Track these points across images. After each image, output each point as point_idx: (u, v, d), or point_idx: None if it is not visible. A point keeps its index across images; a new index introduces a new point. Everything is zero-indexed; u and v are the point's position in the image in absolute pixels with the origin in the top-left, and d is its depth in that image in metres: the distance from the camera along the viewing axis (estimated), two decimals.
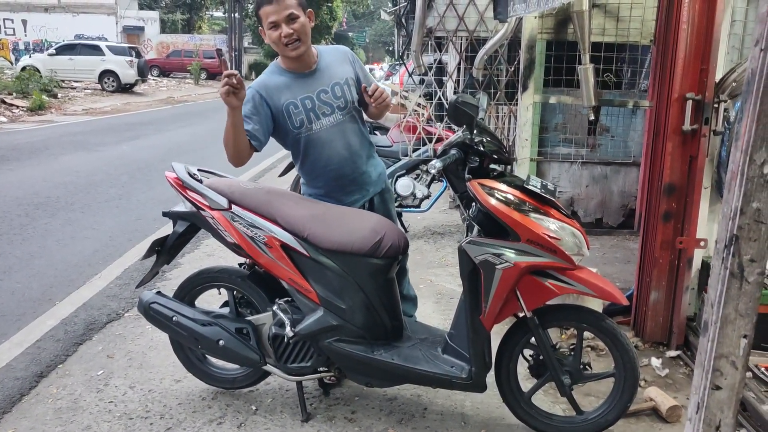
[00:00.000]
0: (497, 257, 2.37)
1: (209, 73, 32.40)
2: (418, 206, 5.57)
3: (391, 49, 42.79)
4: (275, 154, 10.02)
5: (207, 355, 2.96)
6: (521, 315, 2.57)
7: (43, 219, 5.95)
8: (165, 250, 2.86)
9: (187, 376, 3.07)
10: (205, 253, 5.07)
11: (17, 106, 15.62)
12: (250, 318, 2.79)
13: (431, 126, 5.33)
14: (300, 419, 2.77)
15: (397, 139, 5.63)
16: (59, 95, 18.54)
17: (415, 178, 5.59)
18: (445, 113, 5.60)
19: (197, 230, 2.88)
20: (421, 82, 6.09)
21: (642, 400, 2.89)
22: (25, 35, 31.80)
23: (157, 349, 3.42)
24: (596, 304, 3.28)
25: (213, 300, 3.22)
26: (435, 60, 5.34)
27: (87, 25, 31.57)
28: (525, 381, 2.71)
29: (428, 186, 5.61)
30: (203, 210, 2.69)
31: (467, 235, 2.55)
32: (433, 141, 5.15)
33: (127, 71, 22.65)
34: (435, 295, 4.33)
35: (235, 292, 2.86)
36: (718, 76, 3.28)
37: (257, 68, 37.89)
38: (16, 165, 8.58)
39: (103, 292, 4.25)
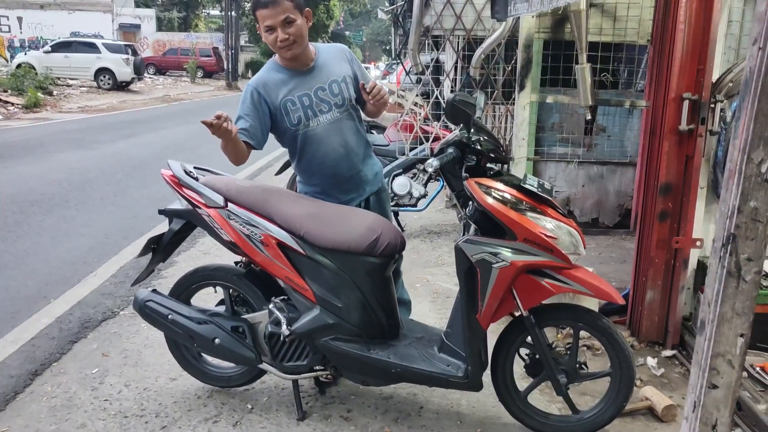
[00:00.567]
0: (494, 256, 2.37)
1: (205, 72, 32.34)
2: (415, 205, 5.57)
3: (388, 48, 42.77)
4: (271, 152, 10.00)
5: (202, 354, 2.95)
6: (517, 314, 2.57)
7: (38, 216, 5.93)
8: (161, 248, 2.85)
9: (182, 374, 3.06)
10: (201, 251, 5.06)
11: (12, 104, 15.56)
12: (246, 316, 2.78)
13: (428, 125, 5.32)
14: (296, 418, 2.76)
15: (393, 138, 5.62)
16: (55, 93, 18.46)
17: (412, 177, 5.59)
18: (442, 112, 5.60)
19: (193, 228, 2.87)
20: (418, 81, 6.09)
21: (638, 400, 2.89)
22: (21, 32, 31.63)
23: (153, 347, 3.41)
24: (592, 304, 3.28)
25: (209, 298, 3.21)
26: (432, 59, 5.34)
27: (83, 23, 31.41)
28: (521, 380, 2.71)
29: (425, 185, 5.61)
30: (199, 208, 2.68)
31: (464, 234, 2.55)
32: (430, 140, 5.15)
33: (123, 69, 22.56)
34: (431, 294, 4.32)
35: (231, 291, 2.85)
36: (715, 76, 3.28)
37: (254, 66, 37.79)
38: (11, 162, 8.54)
39: (98, 290, 4.23)
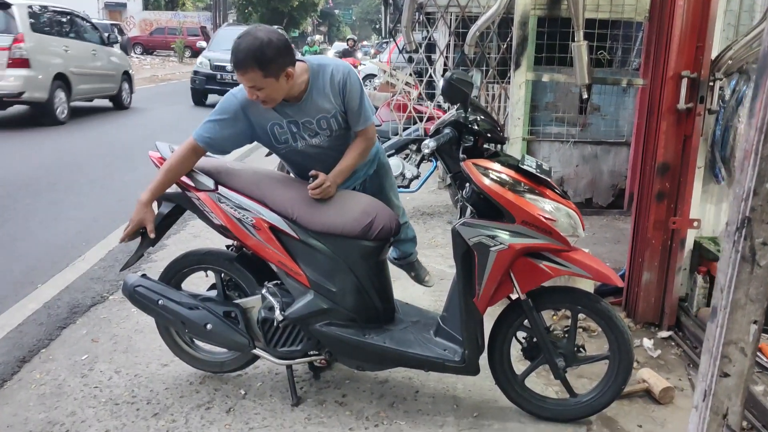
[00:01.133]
0: (491, 239, 2.32)
1: (193, 51, 31.88)
2: (408, 186, 5.51)
3: (378, 26, 42.38)
4: None
5: (194, 339, 2.90)
6: (514, 297, 2.53)
7: (26, 200, 5.83)
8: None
9: (173, 360, 3.01)
10: (191, 234, 4.99)
11: None
12: (238, 301, 2.73)
13: (422, 105, 5.24)
14: (290, 403, 2.72)
15: (386, 118, 5.55)
16: None
17: (405, 158, 5.52)
18: (435, 91, 5.52)
19: (183, 211, 2.80)
20: (410, 60, 5.99)
21: (635, 382, 2.87)
22: None
23: (143, 332, 3.35)
24: (587, 285, 3.25)
25: (200, 282, 3.15)
26: (425, 37, 5.24)
27: (68, 2, 30.84)
28: (517, 363, 2.67)
29: (417, 166, 5.54)
30: (189, 191, 2.61)
31: (460, 217, 2.50)
32: (424, 120, 5.07)
33: None
34: None
35: (222, 275, 2.79)
36: (714, 54, 3.23)
37: None
38: None
39: (86, 274, 4.15)
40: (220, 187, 2.57)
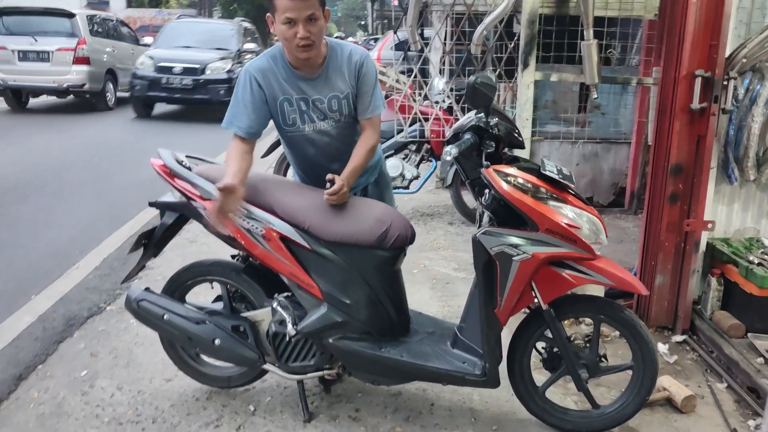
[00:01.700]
0: (514, 248, 2.24)
1: None
2: (407, 187, 5.41)
3: (363, 23, 42.18)
4: None
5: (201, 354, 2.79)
6: (534, 307, 2.45)
7: (13, 205, 5.66)
8: (152, 243, 2.67)
9: (178, 374, 2.89)
10: (188, 239, 4.85)
11: None
12: (246, 314, 2.62)
13: (428, 106, 5.14)
14: (302, 419, 2.62)
15: (385, 118, 5.43)
16: None
17: (404, 158, 5.42)
18: (428, 91, 5.43)
19: (186, 221, 2.69)
20: (404, 58, 5.88)
21: (655, 390, 2.79)
22: None
23: (144, 345, 3.23)
24: (597, 290, 3.17)
25: (201, 293, 3.04)
26: (424, 38, 5.14)
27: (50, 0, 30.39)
28: (534, 372, 2.59)
29: (417, 166, 5.45)
30: (194, 200, 2.50)
31: (479, 225, 2.41)
32: (429, 121, 4.96)
33: None
34: (430, 280, 4.19)
35: (228, 287, 2.68)
36: (727, 52, 3.16)
37: None
38: None
39: (82, 284, 4.01)
40: None
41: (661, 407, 2.77)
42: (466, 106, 4.75)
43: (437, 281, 4.18)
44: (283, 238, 2.41)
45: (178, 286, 2.73)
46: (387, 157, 5.32)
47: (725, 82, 3.13)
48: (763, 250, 3.32)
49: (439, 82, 5.29)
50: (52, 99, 12.53)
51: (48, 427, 2.58)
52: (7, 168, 6.99)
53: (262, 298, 2.62)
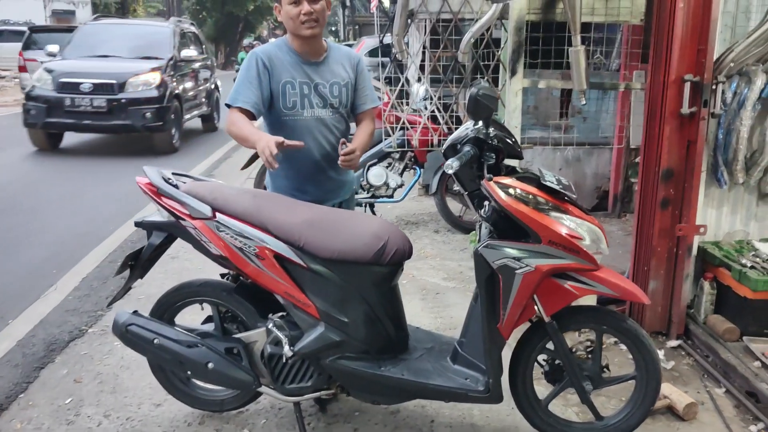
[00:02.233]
0: (517, 261, 2.19)
1: None
2: (392, 196, 5.35)
3: (334, 29, 42.13)
4: (228, 142, 9.61)
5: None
6: (535, 319, 2.40)
7: None
8: (139, 264, 2.56)
9: (167, 398, 2.79)
10: (169, 255, 4.71)
11: None
12: (239, 336, 2.53)
13: (414, 114, 5.08)
14: None
15: None
16: None
17: (388, 167, 5.36)
18: (407, 99, 5.38)
19: (173, 240, 2.59)
20: (383, 66, 5.83)
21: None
22: None
23: (130, 368, 3.11)
24: (590, 299, 3.14)
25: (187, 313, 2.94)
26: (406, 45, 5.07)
27: (12, 10, 29.70)
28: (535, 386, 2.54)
29: (401, 174, 5.40)
30: (183, 219, 2.40)
31: (479, 238, 2.36)
32: (419, 131, 4.90)
33: None
34: (420, 291, 4.14)
35: (219, 307, 2.59)
36: (715, 57, 3.16)
37: None
38: None
39: (61, 306, 3.87)
40: (218, 214, 2.37)
41: (662, 415, 2.74)
42: (455, 114, 4.70)
43: (427, 292, 4.13)
44: (278, 257, 2.33)
45: (167, 308, 2.63)
46: (371, 166, 5.26)
47: (714, 86, 3.13)
48: (754, 252, 3.32)
49: (419, 89, 5.25)
50: None
51: None
52: None
53: (255, 319, 2.53)
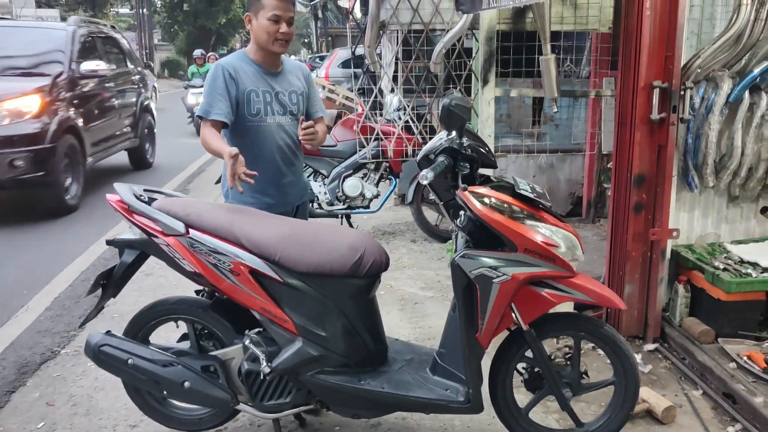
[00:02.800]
0: (493, 270, 2.19)
1: None
2: (368, 207, 5.34)
3: (307, 41, 42.15)
4: (201, 156, 9.53)
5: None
6: (514, 328, 2.40)
7: None
8: (111, 283, 2.52)
9: (143, 419, 2.74)
10: (143, 272, 4.63)
11: None
12: (216, 353, 2.49)
13: (388, 124, 5.09)
14: None
15: (341, 138, 5.37)
16: None
17: (363, 178, 5.35)
18: (381, 110, 5.39)
19: (146, 258, 2.55)
20: (355, 76, 5.84)
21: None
22: None
23: (105, 389, 3.05)
24: (567, 305, 3.15)
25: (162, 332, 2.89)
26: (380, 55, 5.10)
27: None
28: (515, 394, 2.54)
29: (376, 185, 5.39)
30: (156, 236, 2.37)
31: (455, 248, 2.36)
32: (394, 141, 4.90)
33: None
34: (398, 301, 4.12)
35: (195, 325, 2.55)
36: (682, 63, 3.21)
37: (170, 65, 36.40)
38: None
39: (32, 327, 3.77)
40: (191, 231, 2.34)
41: (641, 419, 2.76)
42: (428, 124, 4.72)
43: (405, 302, 4.12)
44: (253, 272, 2.31)
45: (141, 327, 2.58)
46: (346, 177, 5.25)
47: (682, 92, 3.18)
48: (726, 255, 3.37)
49: (393, 99, 5.27)
50: None
51: None
52: None
53: (231, 336, 2.49)
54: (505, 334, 2.45)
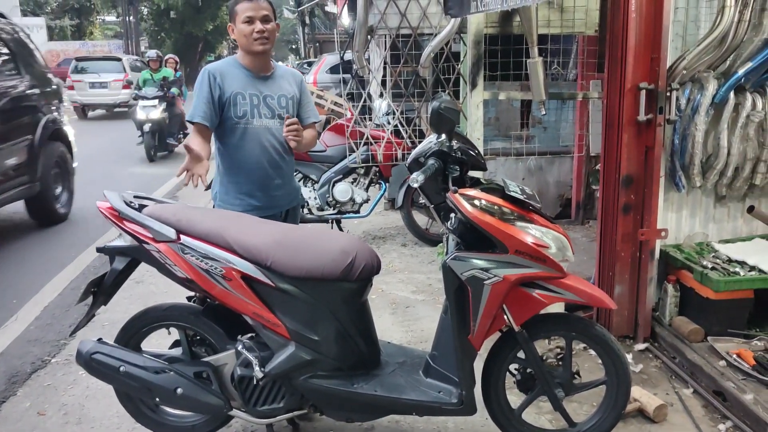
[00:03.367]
0: (485, 272, 2.20)
1: None
2: (358, 211, 5.35)
3: (295, 47, 42.19)
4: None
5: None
6: (505, 329, 2.42)
7: None
8: (102, 291, 2.50)
9: (136, 426, 2.72)
10: (134, 280, 4.61)
11: None
12: (208, 359, 2.48)
13: (377, 129, 5.10)
14: None
15: (330, 143, 5.38)
16: None
17: (353, 182, 5.36)
18: (370, 114, 5.40)
19: (137, 265, 2.55)
20: (344, 81, 5.86)
21: None
22: None
23: (96, 398, 3.03)
24: (559, 306, 3.17)
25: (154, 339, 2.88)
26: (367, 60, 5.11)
27: None
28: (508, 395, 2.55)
29: (366, 189, 5.40)
30: (147, 243, 2.36)
31: (446, 250, 2.37)
32: (383, 145, 4.91)
33: None
34: (390, 305, 4.13)
35: (187, 331, 2.55)
36: (668, 64, 3.25)
37: None
38: None
39: (22, 336, 3.75)
40: (182, 237, 2.34)
41: (633, 418, 2.78)
42: (418, 128, 4.74)
43: (397, 305, 4.12)
44: (245, 277, 2.30)
45: (133, 334, 2.57)
46: (336, 182, 5.25)
47: (668, 93, 3.22)
48: (714, 254, 3.41)
49: (382, 104, 5.28)
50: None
51: None
52: None
53: (223, 341, 2.49)
54: (497, 335, 2.46)
